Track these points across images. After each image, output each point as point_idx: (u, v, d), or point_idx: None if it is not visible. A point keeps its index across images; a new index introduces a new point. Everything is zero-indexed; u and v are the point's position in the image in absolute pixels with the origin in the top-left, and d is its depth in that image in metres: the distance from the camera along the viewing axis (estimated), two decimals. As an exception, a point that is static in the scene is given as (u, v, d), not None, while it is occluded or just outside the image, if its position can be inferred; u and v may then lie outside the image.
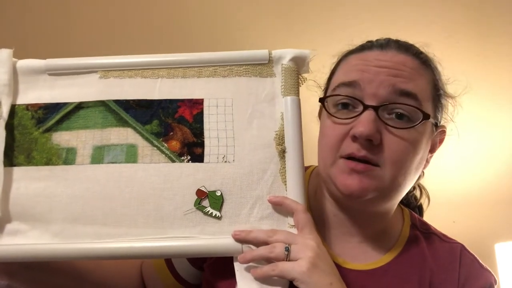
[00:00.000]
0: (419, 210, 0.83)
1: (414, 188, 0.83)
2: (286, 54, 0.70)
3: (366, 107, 0.64)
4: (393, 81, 0.64)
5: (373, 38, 0.72)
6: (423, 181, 0.82)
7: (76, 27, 1.51)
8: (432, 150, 0.71)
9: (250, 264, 0.62)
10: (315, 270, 0.58)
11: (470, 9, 1.44)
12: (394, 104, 0.64)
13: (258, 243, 0.62)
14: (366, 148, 0.63)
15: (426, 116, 0.64)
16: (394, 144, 0.63)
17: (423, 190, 0.84)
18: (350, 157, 0.64)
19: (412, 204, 0.82)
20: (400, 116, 0.64)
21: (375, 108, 0.63)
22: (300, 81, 0.71)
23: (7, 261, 0.64)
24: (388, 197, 0.67)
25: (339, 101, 0.67)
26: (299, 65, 0.71)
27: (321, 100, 0.69)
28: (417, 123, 0.64)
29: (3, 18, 1.51)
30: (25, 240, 0.65)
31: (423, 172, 0.75)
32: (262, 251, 0.61)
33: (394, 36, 0.71)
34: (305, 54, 0.70)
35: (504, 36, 1.44)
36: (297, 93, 0.69)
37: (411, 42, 0.71)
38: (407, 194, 0.81)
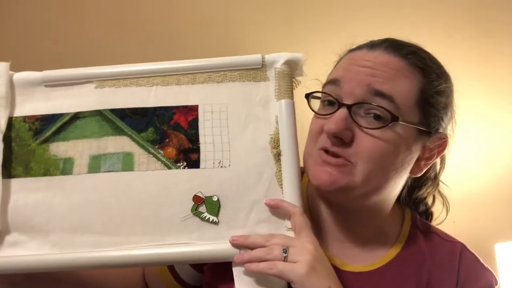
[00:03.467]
0: (426, 216, 0.80)
1: (425, 197, 0.79)
2: (279, 58, 0.70)
3: (340, 105, 0.64)
4: (369, 81, 0.64)
5: (373, 38, 0.71)
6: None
7: (71, 37, 1.52)
8: (429, 158, 0.69)
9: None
10: (313, 273, 0.57)
11: (470, 9, 1.44)
12: (368, 104, 0.64)
13: (255, 248, 0.61)
14: (337, 145, 0.64)
15: (394, 118, 0.63)
16: (365, 142, 0.63)
17: (444, 199, 0.80)
18: (324, 150, 0.65)
19: (420, 209, 0.80)
20: (376, 117, 0.64)
21: (348, 107, 0.64)
22: (294, 84, 0.71)
23: (7, 273, 0.65)
24: (365, 194, 0.66)
25: (324, 98, 0.69)
26: (292, 69, 0.71)
27: (307, 96, 0.70)
28: (385, 125, 0.63)
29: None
30: (24, 251, 0.65)
31: (438, 180, 0.75)
32: (260, 252, 0.60)
33: (394, 37, 0.70)
34: (298, 57, 0.70)
35: (504, 36, 1.43)
36: (291, 96, 0.70)
37: (411, 42, 0.70)
38: (415, 199, 0.78)
